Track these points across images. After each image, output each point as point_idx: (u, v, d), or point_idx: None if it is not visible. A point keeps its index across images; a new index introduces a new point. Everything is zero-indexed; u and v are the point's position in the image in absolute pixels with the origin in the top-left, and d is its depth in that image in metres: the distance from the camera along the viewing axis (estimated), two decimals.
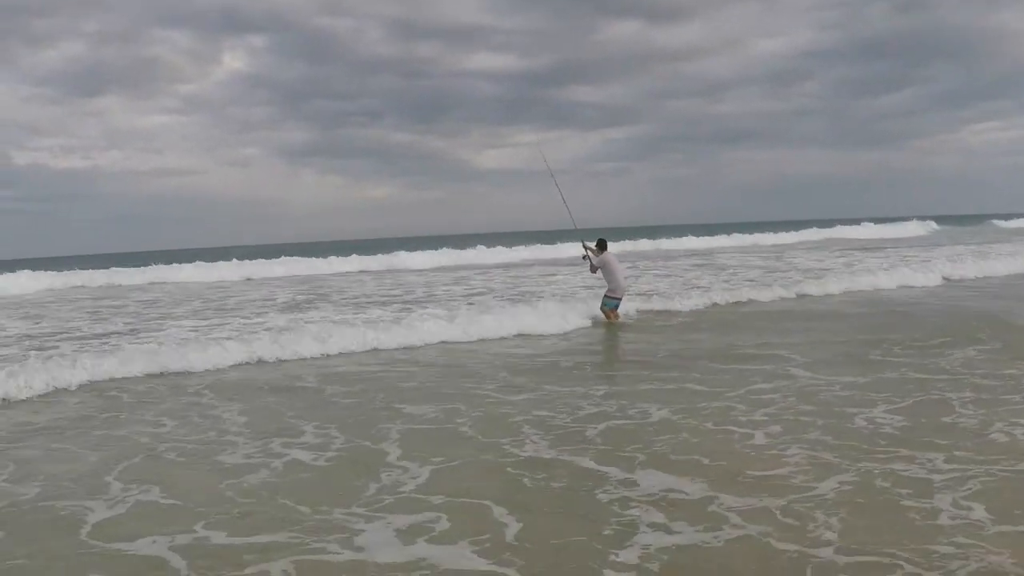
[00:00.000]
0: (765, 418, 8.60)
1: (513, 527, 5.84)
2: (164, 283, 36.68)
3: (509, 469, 7.25)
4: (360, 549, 5.53)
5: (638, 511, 6.01)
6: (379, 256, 44.70)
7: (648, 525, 5.74)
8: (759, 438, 7.87)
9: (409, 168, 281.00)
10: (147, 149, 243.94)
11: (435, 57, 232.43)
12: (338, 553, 5.49)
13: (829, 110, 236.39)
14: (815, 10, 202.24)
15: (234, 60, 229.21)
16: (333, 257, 43.86)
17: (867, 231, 63.15)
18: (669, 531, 5.63)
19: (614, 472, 6.98)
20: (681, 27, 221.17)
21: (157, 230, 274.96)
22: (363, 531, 5.83)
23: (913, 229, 66.35)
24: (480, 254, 46.70)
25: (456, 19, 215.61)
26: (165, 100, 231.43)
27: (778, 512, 5.89)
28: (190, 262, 44.82)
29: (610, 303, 17.70)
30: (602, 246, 18.08)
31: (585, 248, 18.00)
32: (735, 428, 8.29)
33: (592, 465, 7.22)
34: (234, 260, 44.45)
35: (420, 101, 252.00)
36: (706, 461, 7.20)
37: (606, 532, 5.67)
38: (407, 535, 5.74)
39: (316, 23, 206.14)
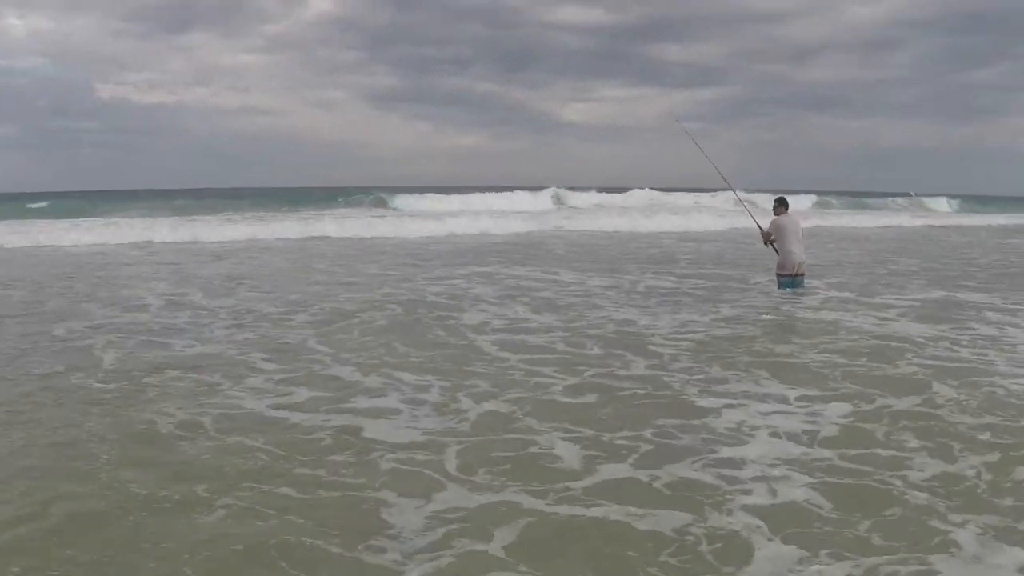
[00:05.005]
0: None
1: None
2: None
3: None
4: None
5: None
6: None
7: None
8: None
9: (495, 118, 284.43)
10: (233, 87, 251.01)
11: (523, 7, 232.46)
12: None
13: (921, 81, 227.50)
14: None
15: (322, 1, 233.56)
16: None
17: None
18: None
19: None
20: None
21: (242, 167, 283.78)
22: None
23: None
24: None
25: None
26: (252, 39, 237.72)
27: None
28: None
29: (783, 282, 13.85)
30: (782, 204, 13.97)
31: (758, 225, 14.30)
32: None
33: None
34: None
35: (507, 51, 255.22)
36: None
37: None
38: None
39: None
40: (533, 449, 6.06)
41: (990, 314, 12.26)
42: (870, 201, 64.08)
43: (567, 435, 6.34)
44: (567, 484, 5.34)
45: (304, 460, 5.77)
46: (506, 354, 9.26)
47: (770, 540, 4.56)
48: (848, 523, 4.78)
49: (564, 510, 4.95)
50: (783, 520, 4.82)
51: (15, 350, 9.43)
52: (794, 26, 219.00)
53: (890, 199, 65.64)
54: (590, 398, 7.53)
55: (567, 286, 15.31)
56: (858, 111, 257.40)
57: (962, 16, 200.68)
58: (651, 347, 9.69)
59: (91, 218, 33.77)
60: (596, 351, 9.52)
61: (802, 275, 13.96)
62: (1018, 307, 12.95)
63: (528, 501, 5.07)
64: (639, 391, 7.74)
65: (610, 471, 5.62)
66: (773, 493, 5.24)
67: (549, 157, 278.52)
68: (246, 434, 6.33)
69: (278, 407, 7.08)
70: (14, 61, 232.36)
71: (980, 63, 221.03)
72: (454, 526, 4.73)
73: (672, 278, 16.73)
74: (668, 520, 4.79)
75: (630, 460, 5.83)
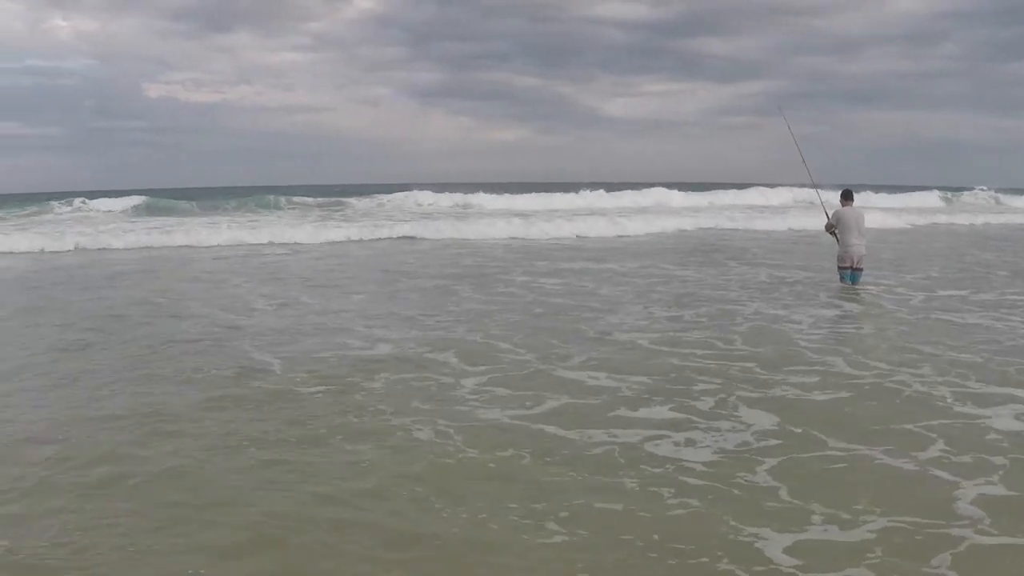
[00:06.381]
0: None
1: None
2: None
3: None
4: None
5: None
6: None
7: None
8: None
9: (537, 112, 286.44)
10: (277, 85, 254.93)
11: (563, 2, 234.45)
12: None
13: (965, 73, 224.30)
14: None
15: None
16: None
17: None
18: None
19: None
20: None
21: (288, 164, 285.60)
22: None
23: None
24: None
25: None
26: (295, 38, 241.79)
27: None
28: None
29: (843, 275, 13.71)
30: (846, 196, 13.89)
31: (825, 214, 14.19)
32: None
33: None
34: None
35: (548, 46, 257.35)
36: None
37: None
38: None
39: None
40: (863, 469, 5.42)
41: None
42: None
43: (876, 448, 5.76)
44: (967, 515, 4.63)
45: (607, 479, 5.22)
46: (683, 351, 8.89)
47: None
48: None
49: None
50: None
51: (155, 355, 8.82)
52: (837, 19, 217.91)
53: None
54: (843, 394, 7.08)
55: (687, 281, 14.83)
56: (901, 104, 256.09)
57: (1006, 6, 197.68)
58: (808, 341, 9.38)
59: (146, 217, 33.18)
60: (767, 347, 9.09)
61: (860, 269, 13.79)
62: None
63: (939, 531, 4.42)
64: (883, 386, 7.33)
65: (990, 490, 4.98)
66: None
67: (592, 153, 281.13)
68: (516, 447, 5.77)
69: (530, 418, 6.48)
70: (62, 62, 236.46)
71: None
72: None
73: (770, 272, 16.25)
74: None
75: (997, 477, 5.19)
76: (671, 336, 9.59)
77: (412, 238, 25.49)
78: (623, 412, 6.62)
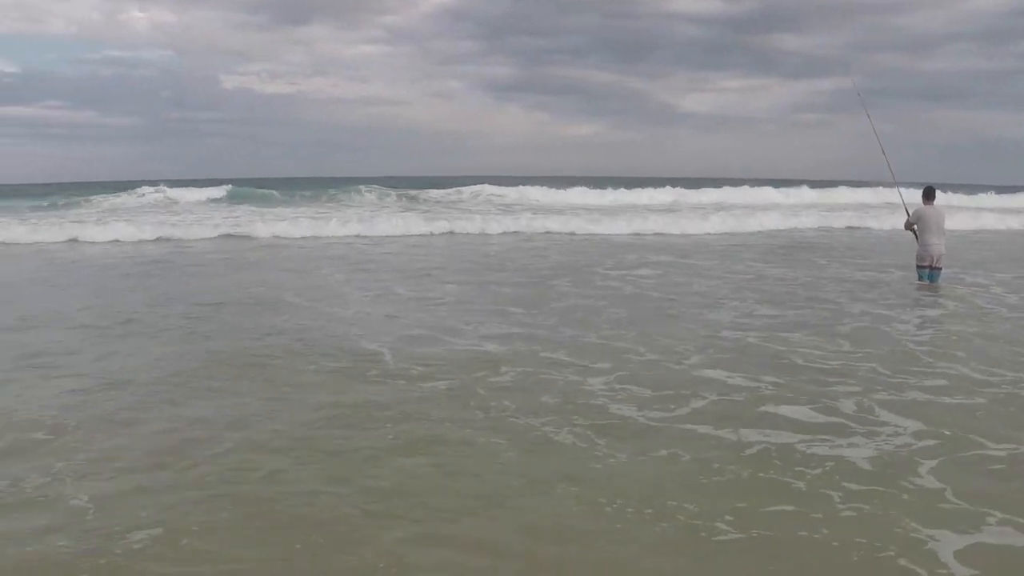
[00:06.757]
0: None
1: None
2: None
3: None
4: None
5: None
6: None
7: None
8: None
9: (611, 107, 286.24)
10: (352, 78, 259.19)
11: None
12: None
13: None
14: None
15: None
16: None
17: None
18: None
19: None
20: None
21: (362, 156, 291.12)
22: None
23: None
24: None
25: None
26: (370, 31, 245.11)
27: None
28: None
29: (921, 274, 13.59)
30: (927, 195, 13.77)
31: (906, 210, 14.20)
32: None
33: None
34: None
35: (622, 41, 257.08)
36: None
37: None
38: None
39: None
40: None
41: None
42: None
43: None
44: None
45: (770, 479, 5.17)
46: (809, 351, 8.75)
47: None
48: None
49: None
50: None
51: (264, 350, 8.70)
52: (914, 16, 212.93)
53: None
54: (978, 400, 6.94)
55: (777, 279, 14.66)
56: (978, 103, 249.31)
57: None
58: (918, 343, 9.27)
59: (229, 206, 33.77)
60: (882, 348, 8.93)
61: (939, 268, 13.70)
62: None
63: None
64: (1015, 392, 7.21)
65: None
66: None
67: (666, 148, 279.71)
68: (668, 447, 5.72)
69: (678, 418, 6.39)
70: (138, 53, 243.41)
71: None
72: None
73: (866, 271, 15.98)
74: None
75: None
76: (780, 336, 9.45)
77: (491, 233, 25.36)
78: (769, 411, 6.54)
